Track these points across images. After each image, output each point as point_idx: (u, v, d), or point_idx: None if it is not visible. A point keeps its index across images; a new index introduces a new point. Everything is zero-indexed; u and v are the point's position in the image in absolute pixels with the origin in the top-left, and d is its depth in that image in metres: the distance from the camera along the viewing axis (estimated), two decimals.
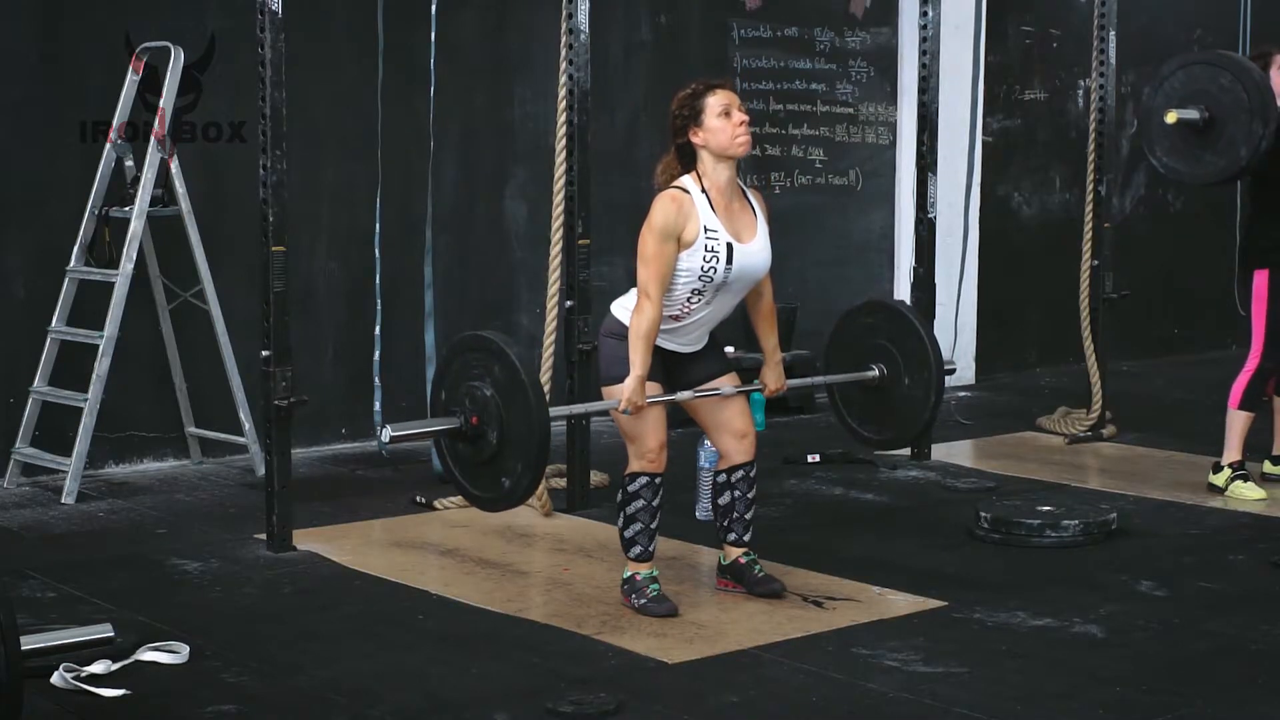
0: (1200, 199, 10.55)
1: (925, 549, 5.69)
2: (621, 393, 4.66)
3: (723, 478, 4.97)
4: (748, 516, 4.98)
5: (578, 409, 5.36)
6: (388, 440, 4.70)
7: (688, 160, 4.76)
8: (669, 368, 4.85)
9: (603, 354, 4.85)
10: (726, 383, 4.93)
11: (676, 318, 4.75)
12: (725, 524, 4.99)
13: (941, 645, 4.50)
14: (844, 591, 5.03)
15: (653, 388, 4.74)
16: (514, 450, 4.54)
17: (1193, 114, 6.13)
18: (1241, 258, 6.46)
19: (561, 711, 3.92)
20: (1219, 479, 6.48)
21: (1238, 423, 6.41)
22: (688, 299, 4.72)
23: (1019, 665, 4.35)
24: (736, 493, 4.95)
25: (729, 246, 4.68)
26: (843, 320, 5.58)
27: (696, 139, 4.72)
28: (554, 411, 4.70)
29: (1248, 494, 6.39)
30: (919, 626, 4.70)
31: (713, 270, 4.67)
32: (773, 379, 5.07)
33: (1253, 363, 6.37)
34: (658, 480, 4.79)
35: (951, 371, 5.61)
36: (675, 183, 4.74)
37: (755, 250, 4.76)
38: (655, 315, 4.63)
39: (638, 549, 4.81)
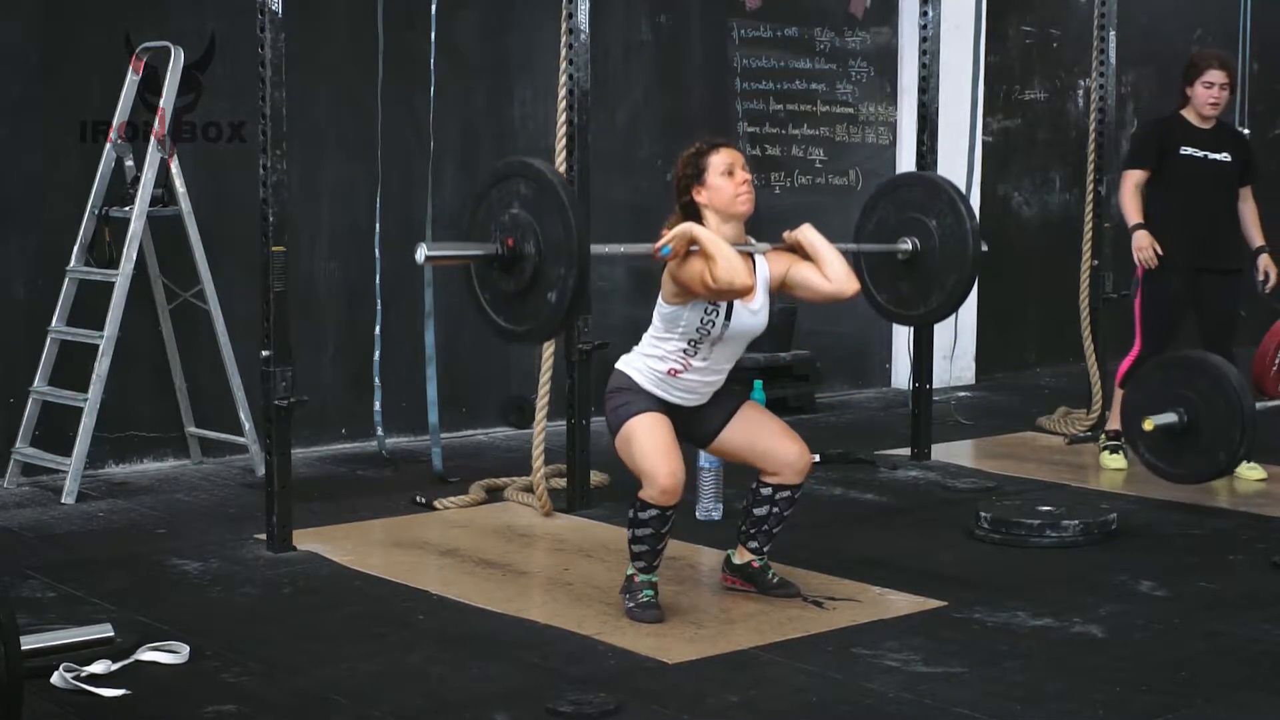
0: None
1: (925, 549, 5.69)
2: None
3: (767, 490, 4.88)
4: (775, 532, 4.95)
5: (619, 247, 5.04)
6: (422, 259, 4.49)
7: (692, 219, 4.72)
8: (678, 422, 4.76)
9: (607, 409, 4.76)
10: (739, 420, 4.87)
11: (673, 372, 4.72)
12: (751, 531, 4.94)
13: (941, 645, 4.49)
14: (844, 591, 5.03)
15: (665, 421, 4.68)
16: (554, 256, 4.38)
17: (1171, 418, 6.23)
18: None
19: (561, 711, 3.92)
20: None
21: (1120, 397, 6.84)
22: (683, 351, 4.70)
23: (1019, 665, 4.34)
24: (775, 509, 4.90)
25: (730, 304, 4.67)
26: (861, 214, 5.91)
27: (700, 198, 4.71)
28: (592, 249, 4.55)
29: (1110, 464, 7.05)
30: (919, 626, 4.70)
31: (710, 325, 4.66)
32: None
33: (1135, 350, 6.93)
34: (669, 513, 4.68)
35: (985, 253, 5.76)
36: None
37: (754, 309, 4.73)
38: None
39: (641, 563, 4.78)
